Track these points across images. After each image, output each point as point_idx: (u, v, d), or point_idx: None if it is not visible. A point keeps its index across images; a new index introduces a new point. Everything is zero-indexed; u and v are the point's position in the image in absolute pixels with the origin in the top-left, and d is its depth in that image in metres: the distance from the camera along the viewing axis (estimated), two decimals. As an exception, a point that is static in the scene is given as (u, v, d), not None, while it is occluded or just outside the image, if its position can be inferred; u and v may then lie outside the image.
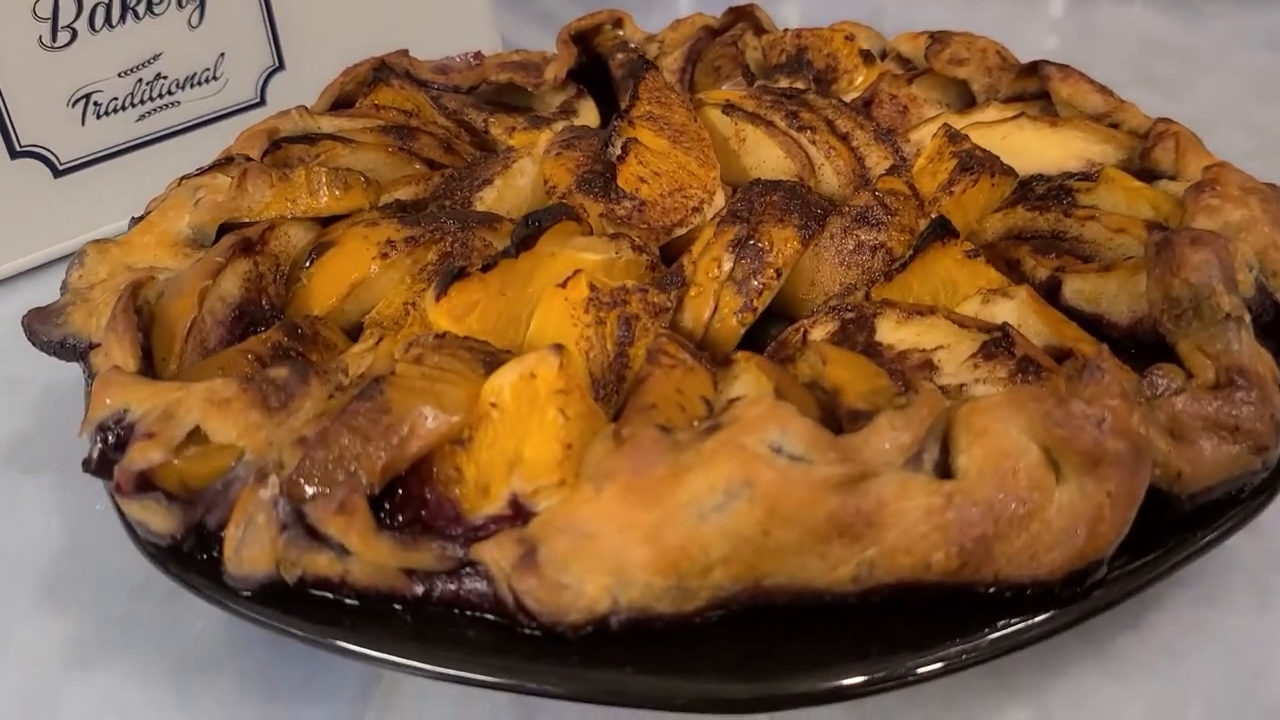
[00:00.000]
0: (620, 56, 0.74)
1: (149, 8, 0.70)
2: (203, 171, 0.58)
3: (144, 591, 0.48)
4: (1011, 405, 0.39)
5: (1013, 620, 0.39)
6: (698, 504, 0.36)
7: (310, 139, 0.62)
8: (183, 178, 0.58)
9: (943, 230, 0.51)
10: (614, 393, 0.47)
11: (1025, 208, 0.56)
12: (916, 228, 0.54)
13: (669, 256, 0.55)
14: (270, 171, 0.56)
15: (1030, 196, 0.57)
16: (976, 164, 0.56)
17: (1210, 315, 0.45)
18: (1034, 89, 0.66)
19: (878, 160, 0.61)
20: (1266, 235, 0.49)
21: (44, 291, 0.65)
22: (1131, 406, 0.39)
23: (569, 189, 0.57)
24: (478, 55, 0.74)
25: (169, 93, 0.73)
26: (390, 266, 0.52)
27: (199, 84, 0.74)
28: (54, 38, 0.67)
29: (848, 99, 0.68)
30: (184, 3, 0.71)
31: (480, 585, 0.39)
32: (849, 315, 0.49)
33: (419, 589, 0.40)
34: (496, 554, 0.38)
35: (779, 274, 0.52)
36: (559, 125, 0.68)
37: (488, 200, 0.59)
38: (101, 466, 0.42)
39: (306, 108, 0.65)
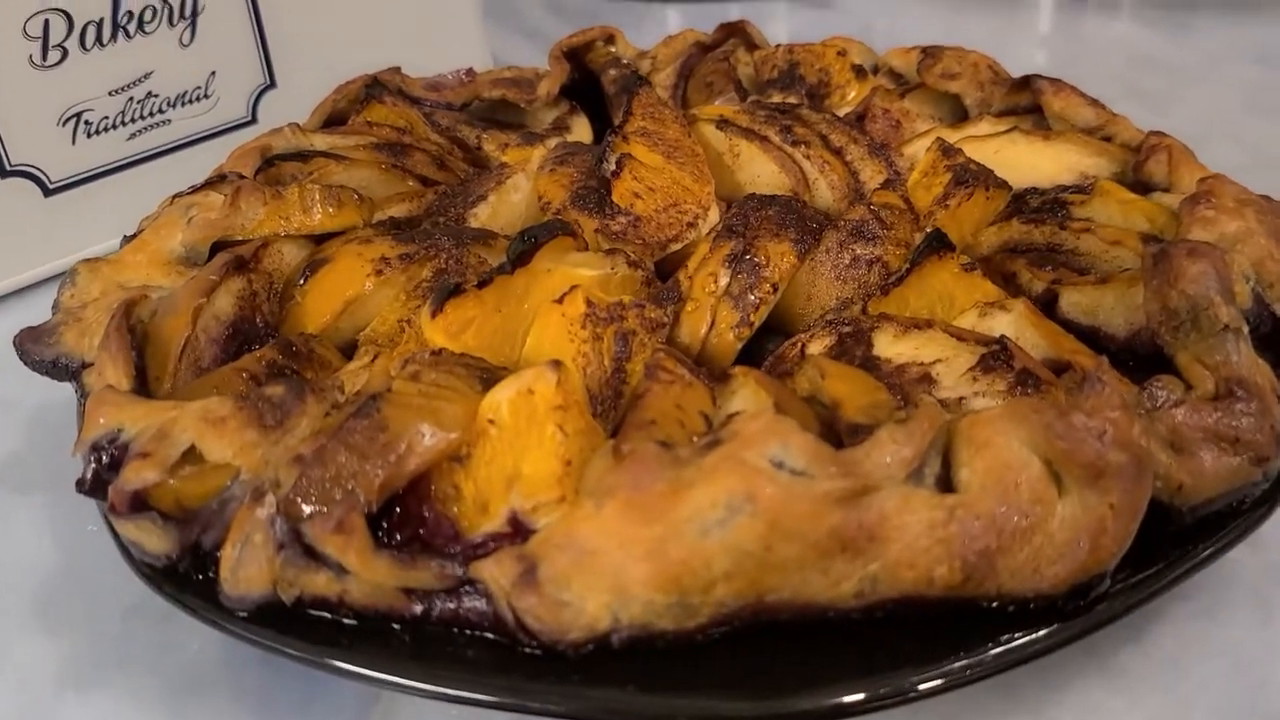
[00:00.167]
0: (613, 72, 0.74)
1: (140, 26, 0.69)
2: (195, 189, 0.58)
3: (138, 612, 0.48)
4: (1012, 418, 0.39)
5: (1016, 634, 0.38)
6: (699, 520, 0.36)
7: (303, 156, 0.62)
8: (175, 196, 0.58)
9: (939, 244, 0.51)
10: (611, 408, 0.46)
11: (1020, 221, 0.56)
12: (912, 242, 0.54)
13: (663, 272, 0.55)
14: (264, 189, 0.55)
15: (1025, 210, 0.57)
16: (971, 177, 0.56)
17: (1208, 327, 0.45)
18: (1026, 103, 0.66)
19: (872, 175, 0.61)
20: (1263, 247, 0.49)
21: (35, 311, 0.65)
22: (1132, 418, 0.39)
23: (563, 205, 0.57)
24: (470, 72, 0.74)
25: (160, 111, 0.72)
26: (385, 284, 0.52)
27: (190, 102, 0.74)
28: (44, 56, 0.66)
29: (841, 114, 0.68)
30: (175, 21, 0.71)
31: (480, 604, 0.39)
32: (846, 329, 0.49)
33: (418, 608, 0.39)
34: (496, 572, 0.38)
35: (775, 288, 0.52)
36: (552, 141, 0.68)
37: (482, 217, 0.59)
38: (96, 487, 0.42)
39: (299, 125, 0.65)
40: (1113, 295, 0.50)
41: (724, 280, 0.52)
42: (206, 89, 0.74)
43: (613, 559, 0.37)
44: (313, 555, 0.39)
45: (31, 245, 0.70)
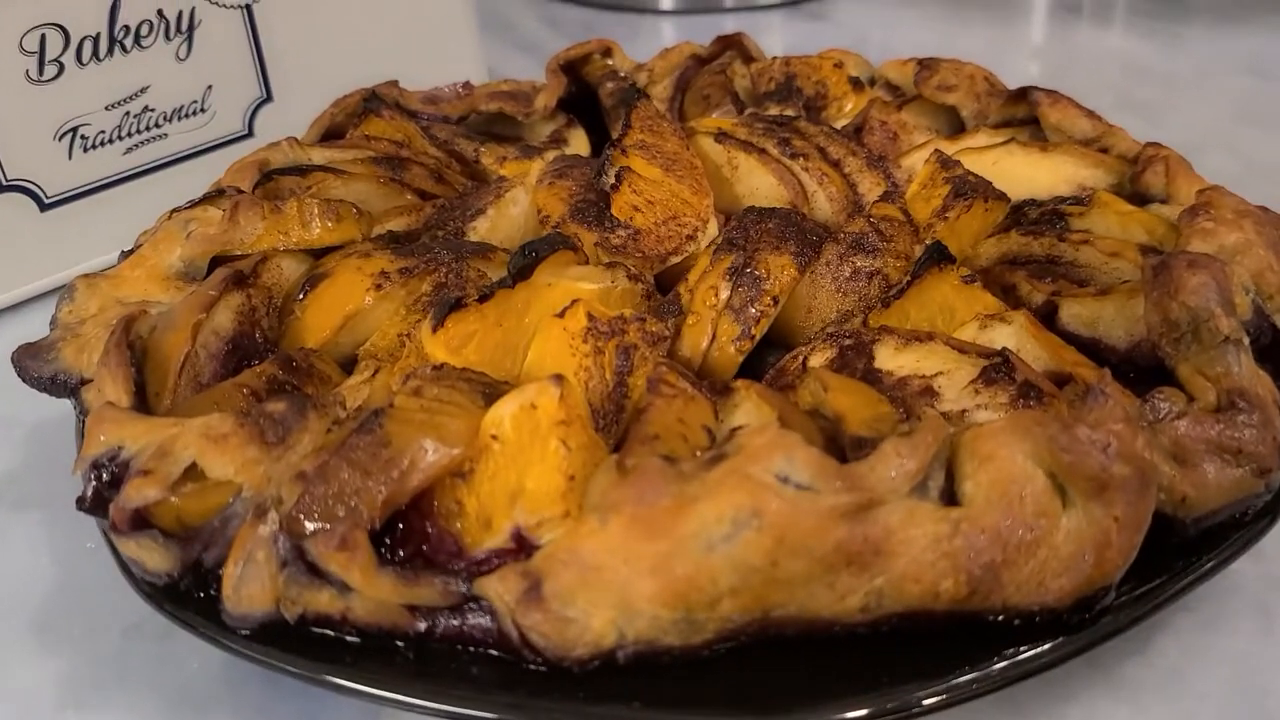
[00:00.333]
0: (610, 85, 0.74)
1: (136, 41, 0.69)
2: (193, 204, 0.58)
3: (138, 630, 0.48)
4: (1016, 431, 0.39)
5: (1021, 648, 0.38)
6: (705, 535, 0.36)
7: (301, 170, 0.62)
8: (173, 210, 0.58)
9: (939, 256, 0.51)
10: (614, 423, 0.46)
11: (1019, 232, 0.56)
12: (912, 254, 0.54)
13: (663, 286, 0.55)
14: (262, 203, 0.55)
15: (1023, 221, 0.58)
16: (970, 189, 0.57)
17: (1209, 338, 0.45)
18: (1023, 114, 0.67)
19: (870, 187, 0.61)
20: (1262, 258, 0.49)
21: (32, 327, 0.65)
22: (1136, 431, 0.39)
23: (562, 218, 0.57)
24: (467, 85, 0.74)
25: (156, 125, 0.72)
26: (384, 298, 0.52)
27: (187, 116, 0.73)
28: (41, 71, 0.66)
29: (838, 126, 0.68)
30: (171, 35, 0.71)
31: (484, 620, 0.39)
32: (847, 342, 0.49)
33: (421, 625, 0.39)
34: (500, 588, 0.38)
35: (776, 301, 0.52)
36: (550, 154, 0.68)
37: (481, 230, 0.59)
38: (96, 504, 0.42)
39: (297, 139, 0.65)
40: (1113, 307, 0.50)
41: (725, 293, 0.52)
42: (203, 103, 0.74)
43: (618, 574, 0.36)
44: (316, 572, 0.39)
45: (28, 260, 0.70)
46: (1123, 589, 0.40)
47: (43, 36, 0.66)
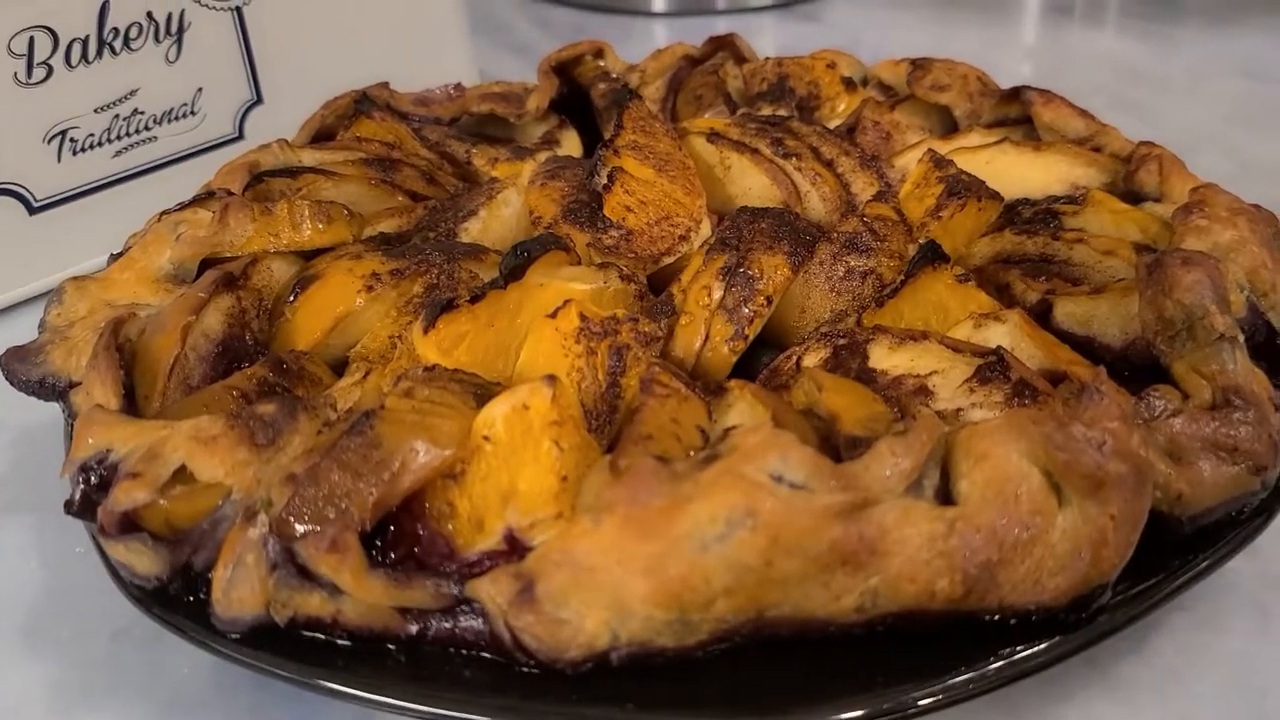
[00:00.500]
0: (602, 86, 0.74)
1: (126, 43, 0.69)
2: (183, 207, 0.57)
3: (127, 635, 0.47)
4: (1011, 429, 0.39)
5: (1018, 648, 0.38)
6: (699, 535, 0.36)
7: (292, 172, 0.61)
8: (163, 213, 0.57)
9: (933, 255, 0.51)
10: (606, 424, 0.46)
11: (1013, 231, 0.56)
12: (905, 253, 0.54)
13: (656, 286, 0.54)
14: (252, 205, 0.55)
15: (1017, 220, 0.57)
16: (963, 188, 0.56)
17: (1204, 336, 0.45)
18: (1016, 114, 0.67)
19: (863, 186, 0.61)
20: (1256, 255, 0.49)
21: (21, 330, 0.64)
22: (1131, 428, 0.39)
23: (555, 219, 0.57)
24: (458, 87, 0.74)
25: (146, 128, 0.72)
26: (375, 300, 0.52)
27: (176, 119, 0.73)
28: (29, 74, 0.66)
29: (831, 126, 0.68)
30: (161, 38, 0.70)
31: (476, 623, 0.38)
32: (841, 342, 0.49)
33: (413, 628, 0.39)
34: (492, 590, 0.37)
35: (770, 301, 0.52)
36: (542, 156, 0.68)
37: (473, 231, 0.58)
38: (84, 508, 0.41)
39: (287, 141, 0.65)
40: (1107, 305, 0.50)
41: (718, 293, 0.51)
42: (193, 106, 0.73)
43: (611, 575, 0.36)
44: (306, 575, 0.38)
45: (16, 264, 0.70)
46: (1119, 588, 0.40)
47: (31, 39, 0.65)
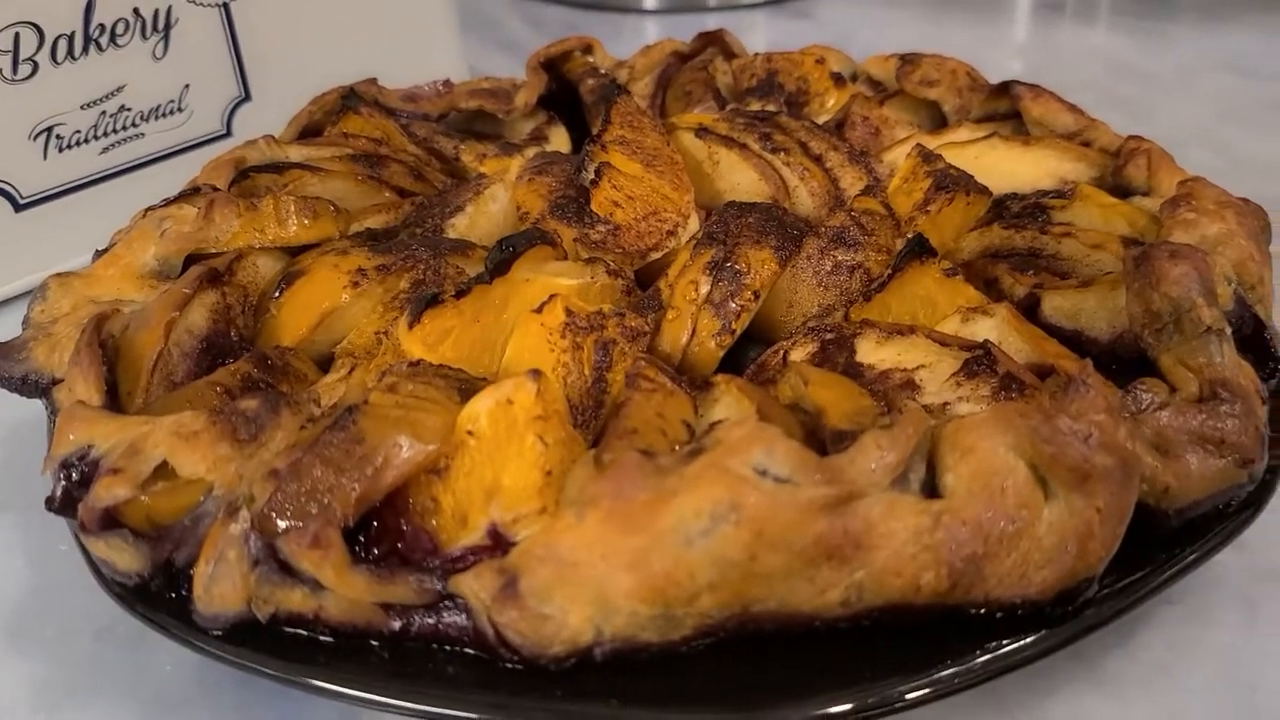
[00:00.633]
0: (591, 82, 0.73)
1: (112, 39, 0.69)
2: (169, 202, 0.57)
3: (111, 633, 0.47)
4: (998, 422, 0.38)
5: (1004, 641, 0.38)
6: (683, 529, 0.36)
7: (278, 168, 0.61)
8: (148, 209, 0.57)
9: (921, 249, 0.51)
10: (592, 418, 0.46)
11: (1001, 226, 0.56)
12: (893, 247, 0.54)
13: (643, 281, 0.54)
14: (238, 201, 0.55)
15: (1005, 215, 0.57)
16: (951, 183, 0.56)
17: (1191, 328, 0.44)
18: (1005, 109, 0.66)
19: (852, 181, 0.61)
20: (1243, 248, 0.49)
21: (5, 327, 0.64)
22: (1118, 421, 0.39)
23: (542, 214, 0.56)
24: (446, 83, 0.73)
25: (133, 125, 0.72)
26: (361, 295, 0.52)
27: (163, 116, 0.73)
28: (15, 70, 0.66)
29: (820, 121, 0.68)
30: (148, 34, 0.70)
31: (460, 619, 0.38)
32: (828, 336, 0.49)
33: (396, 624, 0.38)
34: (476, 586, 0.37)
35: (757, 296, 0.51)
36: (530, 151, 0.68)
37: (460, 227, 0.58)
38: (65, 504, 0.41)
39: (274, 137, 0.64)
40: (1095, 298, 0.49)
41: (705, 288, 0.51)
42: (180, 102, 0.73)
43: (595, 570, 0.36)
44: (288, 571, 0.38)
45: (2, 261, 0.69)
46: (1105, 581, 0.39)
47: (16, 35, 0.65)
